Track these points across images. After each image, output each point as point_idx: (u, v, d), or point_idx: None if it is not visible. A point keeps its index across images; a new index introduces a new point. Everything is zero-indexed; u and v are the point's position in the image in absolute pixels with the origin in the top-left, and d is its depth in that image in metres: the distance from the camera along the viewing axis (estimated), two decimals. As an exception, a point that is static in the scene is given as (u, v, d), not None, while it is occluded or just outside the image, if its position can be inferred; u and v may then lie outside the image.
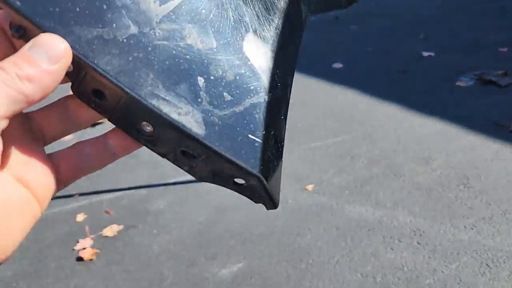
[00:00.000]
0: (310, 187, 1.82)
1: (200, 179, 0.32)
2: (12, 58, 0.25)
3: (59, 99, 0.32)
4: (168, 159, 0.31)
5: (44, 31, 0.25)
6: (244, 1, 0.35)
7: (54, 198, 0.30)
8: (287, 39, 0.38)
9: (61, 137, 0.32)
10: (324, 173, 1.90)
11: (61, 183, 0.30)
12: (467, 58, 2.85)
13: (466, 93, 2.42)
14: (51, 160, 0.30)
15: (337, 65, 3.06)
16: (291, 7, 0.40)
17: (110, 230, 1.72)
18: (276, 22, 0.37)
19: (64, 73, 0.26)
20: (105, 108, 0.29)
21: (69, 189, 1.81)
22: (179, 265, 1.53)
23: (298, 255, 1.49)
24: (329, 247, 1.51)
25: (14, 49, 0.28)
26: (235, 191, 0.32)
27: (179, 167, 0.32)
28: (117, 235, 1.70)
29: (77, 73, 0.27)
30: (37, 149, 0.29)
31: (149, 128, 0.29)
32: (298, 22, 0.41)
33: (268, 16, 0.36)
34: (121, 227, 1.73)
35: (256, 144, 0.30)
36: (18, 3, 0.25)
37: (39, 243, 1.67)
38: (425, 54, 3.00)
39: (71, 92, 0.30)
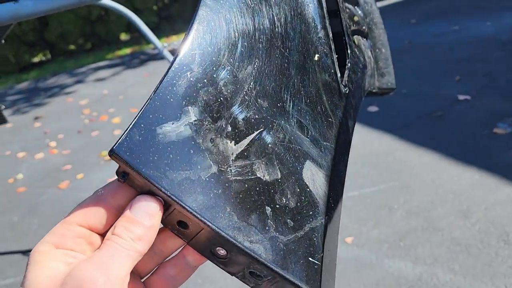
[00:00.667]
0: (349, 239, 1.86)
1: None
2: (122, 223, 0.32)
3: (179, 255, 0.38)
4: (236, 277, 0.36)
5: (144, 177, 0.30)
6: (302, 131, 0.40)
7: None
8: (339, 160, 0.44)
9: (153, 269, 0.39)
10: (363, 224, 1.94)
11: None
12: (506, 103, 2.84)
13: (505, 141, 2.42)
14: None
15: (373, 108, 3.10)
16: (341, 128, 0.46)
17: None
18: (330, 146, 0.42)
19: (160, 222, 0.33)
20: (186, 235, 0.34)
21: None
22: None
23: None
24: (370, 304, 1.54)
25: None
26: None
27: (246, 283, 0.36)
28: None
29: (166, 208, 0.32)
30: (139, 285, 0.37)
31: (223, 252, 0.33)
32: (348, 140, 0.48)
33: (323, 142, 0.42)
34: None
35: (316, 267, 0.35)
36: (125, 155, 0.30)
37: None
38: (461, 97, 3.01)
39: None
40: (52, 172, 3.16)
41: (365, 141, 2.67)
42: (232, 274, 0.35)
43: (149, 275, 0.38)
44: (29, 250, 2.21)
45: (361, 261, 1.74)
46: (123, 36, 8.26)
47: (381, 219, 1.96)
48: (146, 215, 0.31)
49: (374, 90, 0.63)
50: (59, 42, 7.61)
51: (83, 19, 7.45)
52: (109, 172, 2.94)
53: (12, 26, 1.91)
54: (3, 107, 2.23)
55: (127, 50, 7.22)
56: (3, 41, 1.93)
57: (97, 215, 0.32)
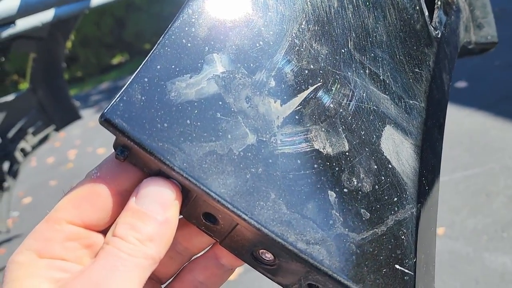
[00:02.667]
0: (441, 230, 1.65)
1: None
2: (125, 220, 0.22)
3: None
4: None
5: (149, 153, 0.22)
6: (379, 85, 0.28)
7: None
8: (432, 125, 0.31)
9: (175, 272, 0.29)
10: (455, 213, 1.72)
11: None
12: None
13: None
14: None
15: (461, 84, 2.80)
16: (434, 83, 0.33)
17: None
18: (418, 105, 0.30)
19: (178, 214, 0.23)
20: (217, 232, 0.25)
21: None
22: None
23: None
24: (469, 305, 1.34)
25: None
26: None
27: None
28: None
29: (185, 195, 0.24)
30: None
31: (268, 257, 0.24)
32: (443, 99, 0.34)
33: (408, 100, 0.30)
34: None
35: (406, 278, 0.24)
36: (122, 122, 0.22)
37: None
38: None
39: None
40: (129, 166, 3.23)
41: (454, 120, 2.39)
42: (284, 286, 0.26)
43: (171, 280, 0.29)
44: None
45: (456, 255, 1.53)
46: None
47: (478, 207, 1.71)
48: (157, 206, 0.22)
49: (470, 46, 0.49)
50: (135, 41, 7.94)
51: (155, 17, 7.68)
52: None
53: (76, 23, 1.92)
54: (78, 103, 2.29)
55: (199, 45, 7.33)
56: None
57: (94, 207, 0.23)
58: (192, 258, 0.29)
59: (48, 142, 3.98)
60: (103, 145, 3.87)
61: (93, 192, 0.24)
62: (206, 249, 0.29)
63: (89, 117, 4.84)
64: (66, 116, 2.27)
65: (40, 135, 2.16)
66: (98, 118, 0.23)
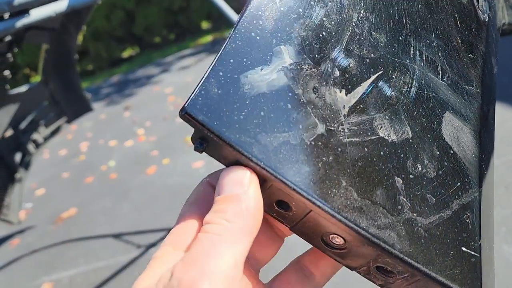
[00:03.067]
0: (457, 222, 1.63)
1: None
2: (211, 209, 0.24)
3: (294, 261, 0.30)
4: (357, 272, 0.27)
5: (227, 143, 0.23)
6: (436, 72, 0.29)
7: None
8: (487, 109, 0.32)
9: (273, 255, 0.30)
10: (473, 205, 1.69)
11: None
12: None
13: None
14: None
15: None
16: (485, 67, 0.33)
17: None
18: (474, 90, 0.31)
19: (259, 189, 0.24)
20: (289, 219, 0.26)
21: None
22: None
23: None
24: (488, 297, 1.31)
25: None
26: None
27: (371, 281, 0.27)
28: None
29: (261, 183, 0.24)
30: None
31: (339, 241, 0.25)
32: (494, 83, 0.34)
33: (464, 86, 0.30)
34: None
35: (473, 260, 0.25)
36: (201, 115, 0.23)
37: None
38: None
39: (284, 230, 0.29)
40: (140, 158, 3.25)
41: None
42: (352, 268, 0.27)
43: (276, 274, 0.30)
44: (121, 234, 2.27)
45: (474, 247, 1.50)
46: (204, 25, 8.40)
47: (496, 199, 1.68)
48: (235, 185, 0.23)
49: (504, 27, 0.49)
50: (145, 35, 7.95)
51: (165, 11, 7.69)
52: (194, 156, 2.93)
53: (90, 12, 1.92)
54: (89, 95, 2.29)
55: (209, 38, 7.33)
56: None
57: (209, 204, 0.25)
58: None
59: (60, 135, 4.02)
60: (115, 137, 3.89)
61: (205, 193, 0.27)
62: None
63: (100, 110, 4.87)
64: (78, 108, 2.28)
65: (52, 127, 2.17)
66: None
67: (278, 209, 0.25)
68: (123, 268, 1.99)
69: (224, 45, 0.25)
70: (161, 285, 0.22)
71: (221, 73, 0.24)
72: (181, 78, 5.21)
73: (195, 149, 0.24)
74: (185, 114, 0.23)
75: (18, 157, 2.01)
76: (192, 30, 8.17)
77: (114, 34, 7.81)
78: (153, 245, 2.08)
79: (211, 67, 0.24)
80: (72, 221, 2.61)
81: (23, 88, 1.98)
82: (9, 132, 1.96)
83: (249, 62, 0.24)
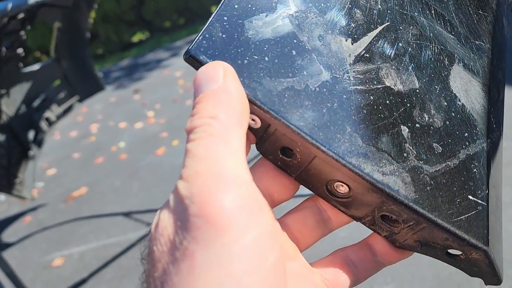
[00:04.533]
0: (465, 202, 1.63)
1: (401, 246, 0.27)
2: (197, 116, 0.22)
3: (307, 202, 0.28)
4: (362, 223, 0.27)
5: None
6: (444, 26, 0.29)
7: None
8: (496, 65, 0.32)
9: (314, 243, 0.29)
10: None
11: None
12: None
13: None
14: (316, 270, 0.27)
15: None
16: (496, 25, 0.33)
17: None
18: (484, 46, 0.31)
19: (235, 79, 0.22)
20: (293, 167, 0.25)
21: None
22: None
23: (456, 282, 1.34)
24: (494, 275, 1.32)
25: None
26: (446, 262, 0.27)
27: (375, 232, 0.27)
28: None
29: (265, 130, 0.24)
30: (300, 260, 0.26)
31: (343, 190, 0.25)
32: (503, 40, 0.34)
33: (474, 40, 0.30)
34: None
35: (479, 208, 0.25)
36: (206, 59, 0.23)
37: None
38: None
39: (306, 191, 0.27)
40: (150, 139, 3.27)
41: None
42: (356, 219, 0.27)
43: (321, 259, 0.28)
44: (130, 212, 2.30)
45: (482, 227, 1.50)
46: (214, 9, 8.35)
47: (507, 179, 1.67)
48: (210, 81, 0.22)
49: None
50: (155, 19, 7.93)
51: (176, -5, 7.65)
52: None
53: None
54: (101, 74, 2.30)
55: (219, 22, 7.28)
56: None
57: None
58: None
59: (71, 117, 4.04)
60: (124, 119, 3.91)
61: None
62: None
63: (110, 93, 4.89)
64: (90, 87, 2.30)
65: (65, 105, 2.19)
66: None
67: (282, 157, 0.25)
68: (132, 245, 2.03)
69: None
70: (166, 212, 0.20)
71: (225, 18, 0.24)
72: (191, 62, 5.18)
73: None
74: (189, 56, 0.23)
75: (31, 134, 2.04)
76: (202, 14, 8.13)
77: (124, 18, 7.80)
78: (162, 223, 2.11)
79: (216, 11, 0.24)
80: (83, 199, 2.65)
81: (36, 67, 2.00)
82: (23, 110, 1.98)
83: (254, 8, 0.24)
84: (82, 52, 2.23)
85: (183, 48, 6.25)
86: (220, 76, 0.22)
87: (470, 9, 0.31)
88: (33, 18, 1.71)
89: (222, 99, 0.21)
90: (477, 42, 0.30)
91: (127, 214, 2.33)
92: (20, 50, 1.74)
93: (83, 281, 1.89)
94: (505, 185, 1.65)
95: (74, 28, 2.07)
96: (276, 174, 0.27)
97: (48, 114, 2.12)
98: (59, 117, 2.18)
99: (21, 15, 1.57)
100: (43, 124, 2.10)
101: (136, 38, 8.27)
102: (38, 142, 2.09)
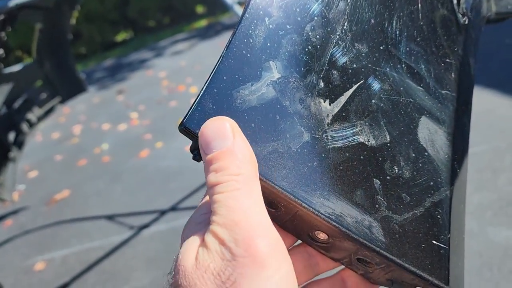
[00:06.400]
0: (444, 205, 1.66)
1: (375, 283, 0.30)
2: (208, 172, 0.25)
3: (298, 248, 0.32)
4: (341, 263, 0.30)
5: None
6: (414, 78, 0.31)
7: None
8: (462, 111, 0.34)
9: (302, 284, 0.32)
10: (460, 189, 1.72)
11: None
12: None
13: None
14: None
15: (468, 63, 2.77)
16: (462, 69, 0.35)
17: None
18: (450, 95, 0.33)
19: (242, 136, 0.25)
20: (278, 218, 0.28)
21: None
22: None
23: (434, 283, 1.37)
24: (472, 277, 1.35)
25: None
26: None
27: (353, 270, 0.30)
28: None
29: None
30: None
31: (323, 237, 0.27)
32: (469, 82, 0.36)
33: (441, 90, 0.33)
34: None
35: (442, 251, 0.27)
36: (197, 129, 0.25)
37: None
38: None
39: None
40: (134, 141, 3.25)
41: (461, 98, 2.38)
42: (336, 260, 0.30)
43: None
44: (114, 215, 2.28)
45: (460, 229, 1.53)
46: (199, 9, 8.32)
47: (483, 183, 1.72)
48: (221, 139, 0.25)
49: (491, 17, 0.51)
50: (139, 18, 7.87)
51: (160, -6, 7.60)
52: (187, 140, 2.94)
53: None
54: (84, 75, 2.28)
55: (203, 22, 7.27)
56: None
57: None
58: (320, 278, 0.32)
59: (53, 118, 3.99)
60: (108, 121, 3.88)
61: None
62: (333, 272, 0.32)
63: (93, 94, 4.84)
64: (72, 88, 2.27)
65: (46, 107, 2.16)
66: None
67: (270, 209, 0.28)
68: (116, 248, 2.01)
69: (217, 64, 0.27)
70: (212, 255, 0.23)
71: (215, 90, 0.26)
72: (175, 62, 5.18)
73: (193, 158, 0.26)
74: (183, 128, 0.25)
75: (11, 136, 2.01)
76: (186, 14, 8.10)
77: (107, 17, 7.72)
78: (145, 226, 2.10)
79: (206, 84, 0.26)
80: (65, 202, 2.62)
81: (17, 67, 1.97)
82: (3, 111, 1.95)
83: (240, 78, 0.26)
84: (64, 53, 2.20)
85: (167, 48, 6.22)
86: (229, 133, 0.24)
87: (438, 59, 0.33)
88: (13, 19, 1.68)
89: (239, 156, 0.24)
90: (443, 91, 0.33)
91: (110, 217, 2.31)
92: (0, 51, 1.71)
93: (65, 285, 1.87)
94: (483, 189, 1.69)
95: (56, 29, 2.05)
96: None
97: (29, 115, 2.10)
98: (40, 118, 2.15)
99: (1, 17, 1.55)
100: (24, 126, 2.07)
101: (119, 37, 8.20)
102: (19, 143, 2.06)
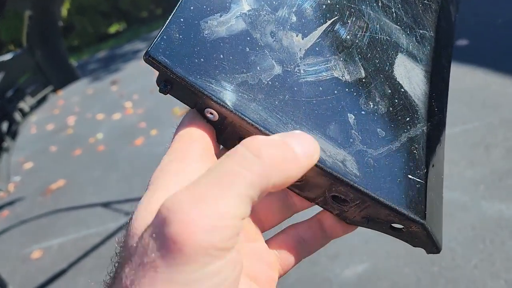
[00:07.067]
0: (438, 181, 1.67)
1: (351, 223, 0.30)
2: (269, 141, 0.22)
3: (313, 217, 0.31)
4: (316, 204, 0.29)
5: (190, 85, 0.24)
6: (391, 17, 0.31)
7: None
8: (440, 52, 0.34)
9: (277, 224, 0.31)
10: (454, 165, 1.73)
11: (281, 272, 0.29)
12: None
13: None
14: (271, 251, 0.29)
15: (462, 42, 2.77)
16: (441, 13, 0.35)
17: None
18: (427, 34, 0.33)
19: (305, 171, 0.23)
20: None
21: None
22: (300, 263, 1.51)
23: (428, 257, 1.38)
24: (465, 250, 1.36)
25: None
26: (391, 235, 0.29)
27: (328, 210, 0.29)
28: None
29: (222, 122, 0.26)
30: (260, 242, 0.29)
31: None
32: (449, 27, 0.36)
33: (418, 30, 0.32)
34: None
35: (418, 186, 0.27)
36: (165, 59, 0.24)
37: None
38: None
39: None
40: (128, 130, 3.24)
41: (454, 77, 2.35)
42: (310, 200, 0.29)
43: (273, 235, 0.31)
44: (110, 203, 2.29)
45: (454, 204, 1.55)
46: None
47: (476, 158, 1.73)
48: (299, 146, 0.23)
49: None
50: (131, 10, 7.81)
51: (152, -15, 7.54)
52: (181, 127, 2.94)
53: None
54: (75, 63, 2.27)
55: (196, 12, 7.21)
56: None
57: None
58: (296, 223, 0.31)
59: (47, 110, 3.97)
60: (102, 111, 3.87)
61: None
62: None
63: (87, 85, 4.82)
64: (65, 76, 2.26)
65: (39, 96, 2.15)
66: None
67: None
68: (112, 234, 2.02)
69: None
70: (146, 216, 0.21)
71: (182, 19, 0.25)
72: (169, 52, 5.13)
73: (160, 91, 0.25)
74: (148, 57, 0.24)
75: (4, 126, 2.00)
76: (179, 4, 8.03)
77: (99, 9, 7.67)
78: (142, 212, 2.11)
79: (172, 13, 0.25)
80: (61, 192, 2.62)
81: (7, 56, 1.96)
82: (-6, 101, 1.94)
83: (209, 9, 0.26)
84: (55, 41, 2.18)
85: (160, 38, 6.17)
86: (311, 155, 0.23)
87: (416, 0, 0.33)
88: (2, 6, 1.67)
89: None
90: (421, 31, 0.32)
91: (106, 205, 2.31)
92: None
93: (63, 271, 1.88)
94: (476, 164, 1.70)
95: (46, 17, 2.03)
96: (270, 202, 0.30)
97: (21, 105, 2.09)
98: (33, 107, 2.14)
99: (-12, 3, 1.53)
100: (17, 115, 2.06)
101: (112, 29, 8.14)
102: (12, 133, 2.05)
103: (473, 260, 1.33)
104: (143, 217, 0.21)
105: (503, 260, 1.30)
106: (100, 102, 4.19)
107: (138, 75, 4.68)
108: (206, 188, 0.20)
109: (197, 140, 0.25)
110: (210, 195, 0.19)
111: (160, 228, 0.19)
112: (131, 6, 7.72)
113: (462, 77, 2.36)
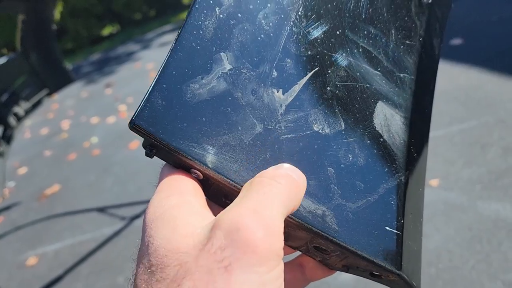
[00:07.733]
0: (435, 182, 1.66)
1: (333, 268, 0.31)
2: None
3: (295, 260, 0.32)
4: (299, 251, 0.30)
5: (174, 150, 0.25)
6: (371, 62, 0.31)
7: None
8: (421, 93, 0.33)
9: None
10: (450, 165, 1.73)
11: None
12: None
13: None
14: None
15: (457, 41, 2.77)
16: (424, 52, 0.34)
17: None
18: (408, 77, 0.33)
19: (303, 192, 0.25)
20: None
21: None
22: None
23: (425, 258, 1.37)
24: (462, 251, 1.36)
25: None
26: (372, 280, 0.30)
27: (311, 257, 0.30)
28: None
29: (207, 181, 0.26)
30: None
31: None
32: (433, 65, 0.36)
33: (399, 75, 0.32)
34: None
35: (394, 237, 0.27)
36: (149, 126, 0.24)
37: None
38: None
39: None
40: (123, 133, 3.23)
41: (450, 76, 2.38)
42: (294, 248, 0.30)
43: None
44: (105, 207, 2.27)
45: (450, 204, 1.54)
46: (186, 0, 8.25)
47: (473, 158, 1.73)
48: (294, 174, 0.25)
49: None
50: (125, 12, 7.78)
51: (145, -14, 7.51)
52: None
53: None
54: (70, 66, 2.25)
55: (190, 14, 7.20)
56: None
57: None
58: None
59: (42, 114, 3.95)
60: (97, 114, 3.85)
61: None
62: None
63: (82, 88, 4.79)
64: (59, 79, 2.25)
65: (33, 100, 2.14)
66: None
67: (226, 201, 0.27)
68: (108, 240, 2.01)
69: (166, 58, 0.26)
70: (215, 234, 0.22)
71: (164, 85, 0.25)
72: (163, 53, 5.12)
73: (146, 154, 0.26)
74: (133, 125, 0.25)
75: (-1, 130, 1.99)
76: (173, 5, 8.03)
77: (92, 11, 7.63)
78: (137, 216, 2.09)
79: (154, 80, 0.25)
80: (56, 197, 2.60)
81: (1, 60, 1.95)
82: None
83: (190, 72, 0.26)
84: (49, 44, 2.17)
85: (154, 39, 6.17)
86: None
87: (397, 41, 0.32)
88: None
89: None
90: (401, 75, 0.32)
91: (101, 210, 2.30)
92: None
93: (59, 278, 1.86)
94: (473, 163, 1.70)
95: (39, 20, 2.02)
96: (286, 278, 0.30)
97: (16, 109, 2.07)
98: (28, 112, 2.13)
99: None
100: (12, 120, 2.05)
101: (106, 31, 8.11)
102: (7, 138, 2.04)
103: (470, 261, 1.32)
104: (183, 241, 0.22)
105: (501, 261, 1.30)
106: (94, 105, 4.16)
107: (132, 77, 4.66)
108: (255, 205, 0.22)
109: (185, 179, 0.26)
110: (263, 210, 0.22)
111: (230, 235, 0.21)
112: (124, 8, 7.70)
113: (457, 76, 2.36)
